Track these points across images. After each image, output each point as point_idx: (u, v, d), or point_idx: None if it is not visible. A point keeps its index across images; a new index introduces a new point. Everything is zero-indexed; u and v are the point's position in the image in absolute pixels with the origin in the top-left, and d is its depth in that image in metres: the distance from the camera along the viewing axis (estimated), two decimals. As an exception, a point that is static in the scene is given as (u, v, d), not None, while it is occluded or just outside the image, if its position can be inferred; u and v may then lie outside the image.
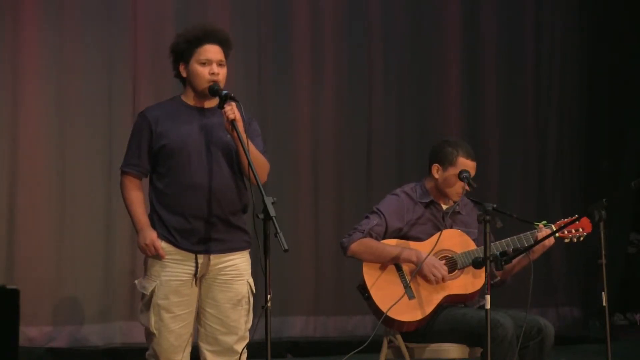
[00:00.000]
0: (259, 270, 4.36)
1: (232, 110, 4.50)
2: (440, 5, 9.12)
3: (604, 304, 4.89)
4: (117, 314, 7.66)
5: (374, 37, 8.81)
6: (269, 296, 4.27)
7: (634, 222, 9.97)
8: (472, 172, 5.49)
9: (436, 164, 5.49)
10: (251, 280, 4.72)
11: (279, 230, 4.19)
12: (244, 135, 4.49)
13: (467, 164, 5.46)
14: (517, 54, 9.43)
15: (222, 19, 8.06)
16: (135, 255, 7.59)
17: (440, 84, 9.08)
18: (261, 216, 4.27)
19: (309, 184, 8.50)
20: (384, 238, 5.43)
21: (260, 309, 4.34)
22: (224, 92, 4.56)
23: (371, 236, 5.40)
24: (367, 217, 5.50)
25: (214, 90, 4.60)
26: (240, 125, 4.50)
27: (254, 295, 4.72)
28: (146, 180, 4.76)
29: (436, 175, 5.49)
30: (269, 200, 4.27)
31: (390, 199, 5.55)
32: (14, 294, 6.21)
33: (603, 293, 4.87)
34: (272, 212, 4.24)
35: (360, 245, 5.39)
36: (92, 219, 7.60)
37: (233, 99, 4.54)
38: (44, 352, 7.39)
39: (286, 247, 4.17)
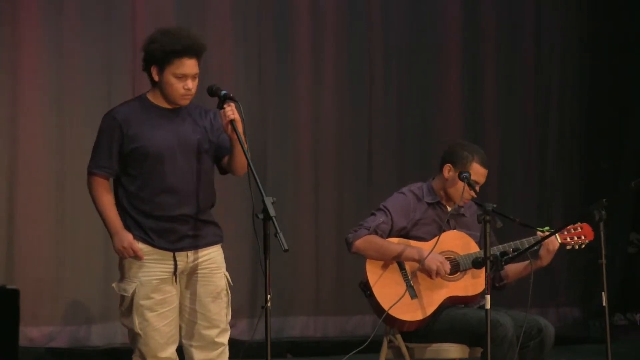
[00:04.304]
0: (259, 270, 4.36)
1: (232, 111, 4.50)
2: (441, 5, 9.11)
3: (604, 304, 4.88)
4: (117, 314, 7.56)
5: (374, 37, 8.81)
6: (268, 296, 4.27)
7: (634, 222, 9.96)
8: (483, 180, 5.48)
9: (449, 164, 5.47)
10: (227, 273, 4.73)
11: (278, 230, 4.19)
12: (243, 136, 4.49)
13: (479, 171, 5.44)
14: (517, 54, 9.43)
15: (222, 18, 8.06)
16: (135, 255, 7.59)
17: (441, 83, 9.08)
18: (261, 216, 4.27)
19: (309, 184, 8.50)
20: (389, 236, 5.43)
21: (260, 309, 4.34)
22: (223, 92, 4.55)
23: (377, 233, 5.40)
24: (373, 214, 5.49)
25: (212, 90, 4.59)
26: (239, 126, 4.50)
27: (231, 289, 4.73)
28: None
29: (446, 176, 5.47)
30: (268, 200, 4.27)
31: (397, 197, 5.54)
32: (14, 294, 6.22)
33: (603, 293, 4.87)
34: (272, 212, 4.24)
35: (365, 242, 5.39)
36: (92, 219, 7.52)
37: (232, 99, 4.54)
38: (44, 352, 7.39)
39: (286, 247, 4.17)
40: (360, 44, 8.74)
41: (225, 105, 4.51)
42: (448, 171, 5.47)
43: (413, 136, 8.91)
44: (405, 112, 8.93)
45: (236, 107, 4.52)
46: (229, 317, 4.72)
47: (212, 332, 4.66)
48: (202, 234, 4.65)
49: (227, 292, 4.71)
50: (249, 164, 4.43)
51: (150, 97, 4.70)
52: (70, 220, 7.53)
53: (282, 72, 8.43)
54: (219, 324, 4.67)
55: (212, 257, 4.69)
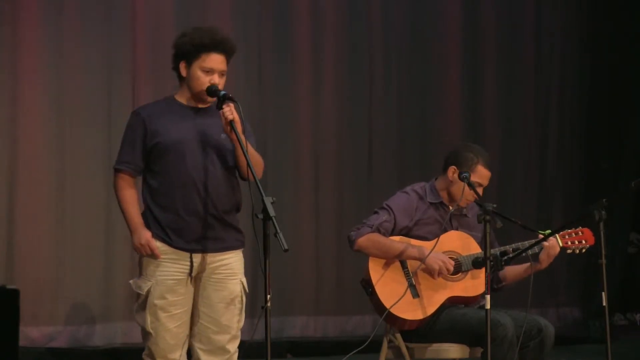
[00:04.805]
0: (259, 270, 4.36)
1: (230, 111, 4.49)
2: (441, 5, 9.12)
3: (604, 304, 4.88)
4: (117, 314, 7.66)
5: (374, 37, 8.82)
6: (268, 296, 4.26)
7: (634, 222, 9.97)
8: (486, 182, 5.48)
9: (454, 166, 5.47)
10: (244, 280, 4.71)
11: (278, 230, 4.19)
12: (242, 136, 4.49)
13: (484, 173, 5.45)
14: (517, 54, 9.43)
15: (222, 18, 8.06)
16: (135, 255, 7.56)
17: (441, 83, 9.09)
18: (261, 216, 4.27)
19: (309, 184, 8.51)
20: (391, 235, 5.43)
21: (260, 309, 4.34)
22: (222, 92, 4.55)
23: (379, 232, 5.40)
24: (376, 213, 5.49)
25: (211, 90, 4.59)
26: (238, 126, 4.49)
27: (247, 295, 4.72)
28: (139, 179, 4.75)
29: (451, 178, 5.47)
30: (268, 200, 4.26)
31: (400, 197, 5.54)
32: (14, 294, 6.22)
33: (603, 293, 4.87)
34: (271, 212, 4.24)
35: (367, 240, 5.39)
36: (92, 218, 7.60)
37: (231, 99, 4.54)
38: (44, 352, 7.39)
39: (286, 247, 4.17)
40: (360, 44, 8.75)
41: (224, 106, 4.51)
42: (453, 173, 5.47)
43: (413, 136, 8.92)
44: (405, 112, 8.93)
45: (235, 108, 4.52)
46: (241, 324, 4.70)
47: (222, 338, 4.65)
48: (222, 237, 4.64)
49: (242, 299, 4.69)
50: (248, 164, 4.42)
51: (177, 96, 4.72)
52: (70, 220, 7.53)
53: (282, 72, 8.43)
54: (229, 330, 4.66)
55: (230, 263, 4.67)
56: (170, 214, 4.58)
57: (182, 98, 4.69)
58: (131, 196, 4.65)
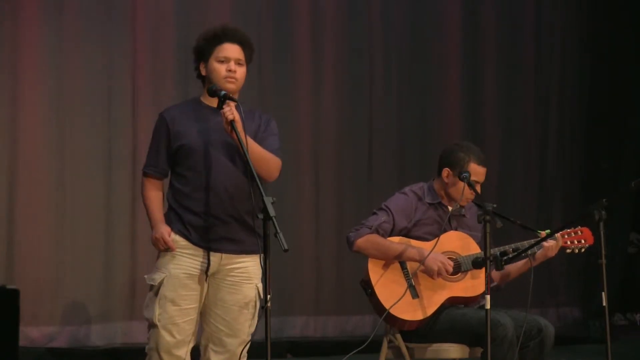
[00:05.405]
0: (259, 271, 4.36)
1: (230, 111, 4.49)
2: (441, 5, 9.12)
3: (604, 304, 4.88)
4: (117, 314, 7.66)
5: (374, 37, 8.82)
6: (269, 296, 4.26)
7: (634, 222, 9.97)
8: (482, 178, 5.48)
9: (447, 168, 5.47)
10: (260, 285, 4.69)
11: (278, 230, 4.18)
12: (243, 136, 4.48)
13: (478, 170, 5.44)
14: (517, 54, 9.44)
15: (222, 19, 8.04)
16: (135, 255, 7.60)
17: (441, 83, 9.09)
18: (261, 216, 4.26)
19: (309, 184, 8.51)
20: (390, 235, 5.43)
21: (260, 309, 4.33)
22: (222, 92, 4.56)
23: (378, 233, 5.40)
24: (374, 214, 5.50)
25: (212, 90, 4.60)
26: (239, 126, 4.49)
27: (260, 299, 4.71)
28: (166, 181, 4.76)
29: (446, 180, 5.48)
30: (268, 200, 4.26)
31: (398, 197, 5.55)
32: (14, 294, 6.22)
33: (603, 293, 4.86)
34: (271, 212, 4.23)
35: (366, 241, 5.39)
36: (92, 219, 7.60)
37: (231, 99, 4.54)
38: (44, 352, 7.39)
39: (286, 247, 4.16)
40: (360, 44, 8.75)
41: (224, 106, 4.51)
42: (447, 175, 5.48)
43: (413, 136, 8.92)
44: (405, 112, 8.93)
45: (235, 107, 4.52)
46: (253, 329, 4.69)
47: (232, 341, 4.65)
48: (241, 240, 4.63)
49: (256, 304, 4.68)
50: (248, 164, 4.42)
51: (201, 97, 4.74)
52: (70, 220, 7.54)
53: (282, 72, 8.44)
54: (240, 334, 4.66)
55: (247, 267, 4.66)
56: (193, 215, 4.59)
57: (206, 99, 4.70)
58: (155, 197, 4.68)
